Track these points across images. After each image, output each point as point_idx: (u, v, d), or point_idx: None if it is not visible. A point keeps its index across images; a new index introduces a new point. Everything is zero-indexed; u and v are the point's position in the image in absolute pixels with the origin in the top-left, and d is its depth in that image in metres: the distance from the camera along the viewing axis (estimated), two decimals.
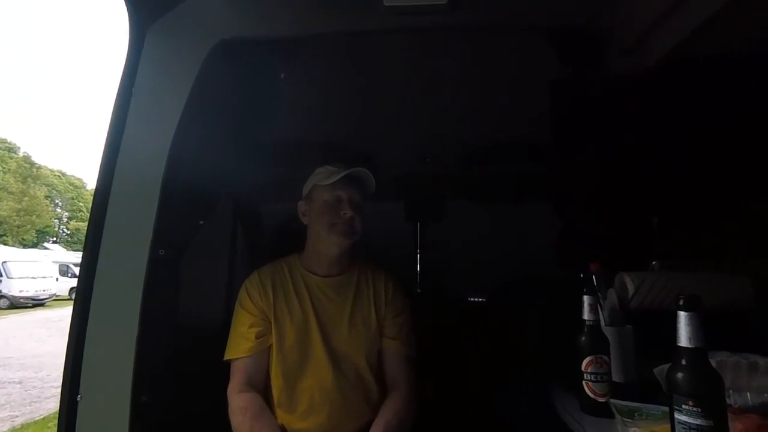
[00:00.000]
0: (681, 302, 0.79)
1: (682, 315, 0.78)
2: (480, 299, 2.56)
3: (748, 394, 0.99)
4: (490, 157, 2.06)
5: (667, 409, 0.83)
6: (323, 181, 1.42)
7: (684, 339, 0.78)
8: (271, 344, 1.37)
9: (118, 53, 1.29)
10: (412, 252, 2.72)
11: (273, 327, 1.37)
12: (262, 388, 1.36)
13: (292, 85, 1.56)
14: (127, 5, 1.23)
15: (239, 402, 1.29)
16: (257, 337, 1.35)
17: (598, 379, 1.12)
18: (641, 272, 1.33)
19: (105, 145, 1.26)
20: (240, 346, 1.35)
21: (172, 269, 1.33)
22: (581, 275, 1.35)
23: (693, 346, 0.77)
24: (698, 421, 0.74)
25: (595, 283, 1.31)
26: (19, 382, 6.38)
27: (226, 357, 1.36)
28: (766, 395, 0.99)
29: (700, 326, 0.77)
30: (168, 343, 1.29)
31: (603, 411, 1.09)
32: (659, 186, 1.60)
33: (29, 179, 31.42)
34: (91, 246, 1.21)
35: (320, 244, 1.44)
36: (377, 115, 1.84)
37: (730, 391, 1.00)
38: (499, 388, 1.88)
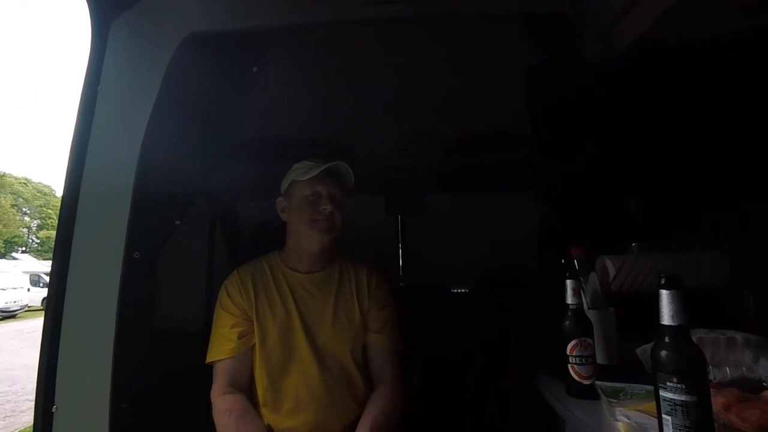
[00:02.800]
0: (663, 281, 0.80)
1: (665, 294, 0.79)
2: (463, 290, 2.58)
3: (727, 368, 1.02)
4: (469, 147, 2.06)
5: (650, 388, 0.85)
6: (301, 176, 1.40)
7: (667, 317, 0.79)
8: (254, 344, 1.35)
9: (81, 50, 1.24)
10: (393, 245, 2.72)
11: (255, 326, 1.35)
12: (246, 388, 1.34)
13: (266, 79, 1.53)
14: None
15: (223, 404, 1.26)
16: (239, 338, 1.32)
17: (583, 361, 1.13)
18: (621, 255, 1.35)
19: (71, 146, 1.21)
20: (222, 347, 1.32)
21: (149, 272, 1.29)
22: (563, 261, 1.37)
23: (676, 324, 0.78)
24: (683, 398, 0.75)
25: (577, 268, 1.32)
26: None
27: (209, 359, 1.33)
28: (744, 369, 1.02)
29: (681, 304, 0.79)
30: (147, 348, 1.25)
31: (589, 393, 1.11)
32: (637, 169, 1.63)
33: None
34: (61, 251, 1.16)
35: (301, 241, 1.41)
36: (355, 108, 1.81)
37: (710, 367, 1.02)
38: (485, 376, 1.89)
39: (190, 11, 1.24)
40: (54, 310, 1.13)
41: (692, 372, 0.77)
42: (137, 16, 1.24)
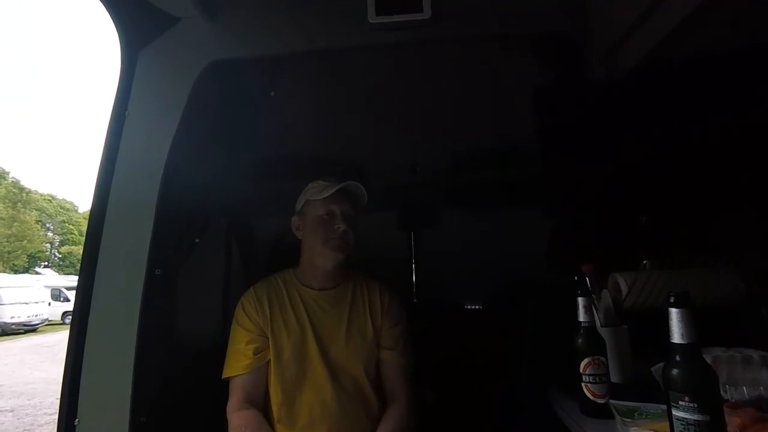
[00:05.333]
0: (672, 300, 0.80)
1: (674, 312, 0.80)
2: (476, 306, 2.57)
3: (744, 388, 1.00)
4: (478, 163, 2.08)
5: (665, 407, 0.84)
6: (316, 195, 1.43)
7: (677, 335, 0.79)
8: (269, 360, 1.37)
9: (106, 76, 1.33)
10: (407, 262, 2.73)
11: (270, 342, 1.37)
12: (261, 404, 1.35)
13: (283, 102, 1.59)
14: (117, 30, 1.26)
15: (239, 420, 1.28)
16: (255, 354, 1.35)
17: (597, 380, 1.12)
18: (633, 272, 1.35)
19: (99, 167, 1.27)
20: (238, 363, 1.34)
21: (169, 288, 1.33)
22: (575, 278, 1.36)
23: (686, 342, 0.78)
24: (695, 417, 0.75)
25: (588, 285, 1.32)
26: (11, 411, 6.25)
27: (225, 375, 1.35)
28: (761, 388, 1.01)
29: (691, 322, 0.79)
30: (166, 363, 1.29)
31: (603, 412, 1.09)
32: (647, 185, 1.63)
33: (19, 204, 31.03)
34: (87, 268, 1.21)
35: (315, 258, 1.44)
36: (367, 128, 1.86)
37: (727, 386, 1.01)
38: (498, 394, 1.88)
39: (212, 41, 1.31)
40: (79, 324, 1.18)
41: (704, 390, 0.77)
42: (163, 46, 1.32)
